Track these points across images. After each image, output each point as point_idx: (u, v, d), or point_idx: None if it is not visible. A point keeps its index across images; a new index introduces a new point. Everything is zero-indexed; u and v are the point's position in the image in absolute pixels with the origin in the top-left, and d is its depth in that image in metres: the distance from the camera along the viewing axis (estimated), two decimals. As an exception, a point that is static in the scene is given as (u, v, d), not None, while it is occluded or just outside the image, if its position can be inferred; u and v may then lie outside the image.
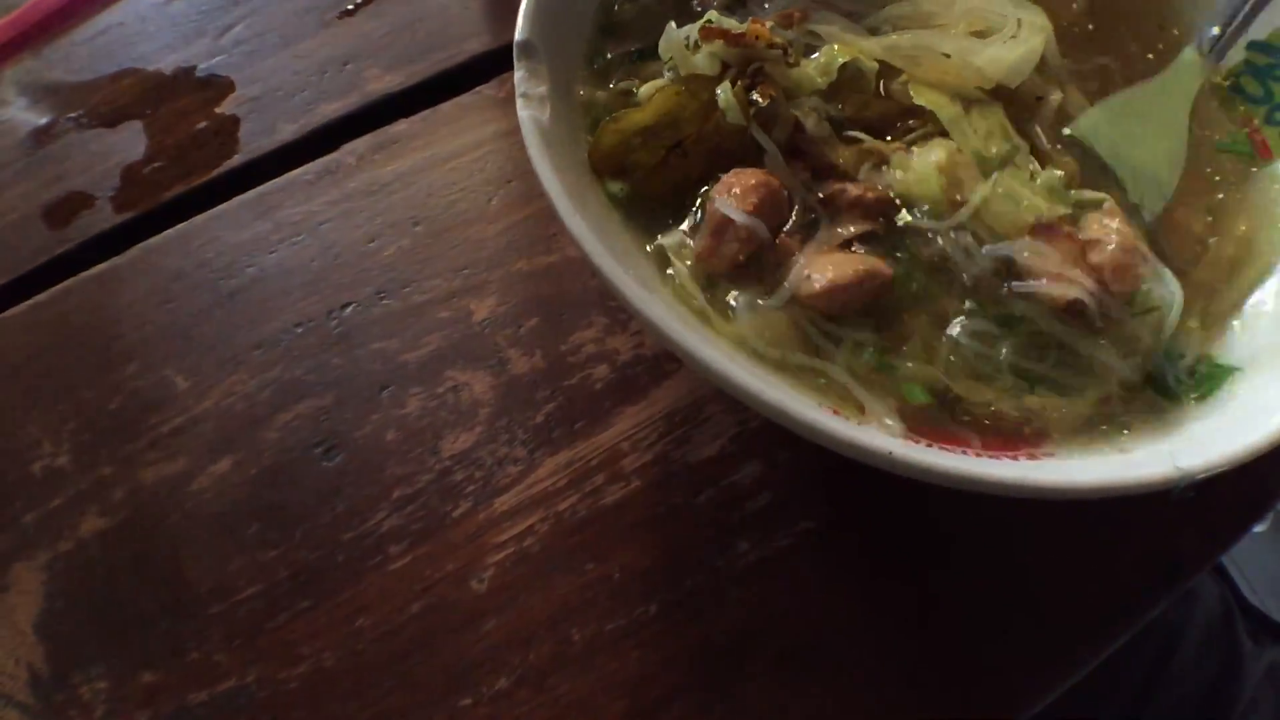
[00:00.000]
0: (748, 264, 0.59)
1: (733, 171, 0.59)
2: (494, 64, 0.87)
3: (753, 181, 0.58)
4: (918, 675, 0.62)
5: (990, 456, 0.51)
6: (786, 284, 0.57)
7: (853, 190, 0.59)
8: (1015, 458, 0.51)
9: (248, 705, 0.63)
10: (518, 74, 0.60)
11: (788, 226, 0.60)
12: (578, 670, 0.62)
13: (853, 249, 0.59)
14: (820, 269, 0.57)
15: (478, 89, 0.86)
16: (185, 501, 0.69)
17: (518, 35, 0.61)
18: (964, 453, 0.51)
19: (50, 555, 0.68)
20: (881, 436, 0.49)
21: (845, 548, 0.65)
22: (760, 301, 0.58)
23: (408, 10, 0.92)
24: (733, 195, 0.58)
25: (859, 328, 0.57)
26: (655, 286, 0.55)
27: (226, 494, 0.69)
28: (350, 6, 0.93)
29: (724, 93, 0.60)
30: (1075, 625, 0.63)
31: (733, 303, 0.58)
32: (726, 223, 0.57)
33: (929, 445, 0.52)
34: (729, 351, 0.54)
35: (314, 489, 0.69)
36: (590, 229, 0.52)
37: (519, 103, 0.58)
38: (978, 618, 0.63)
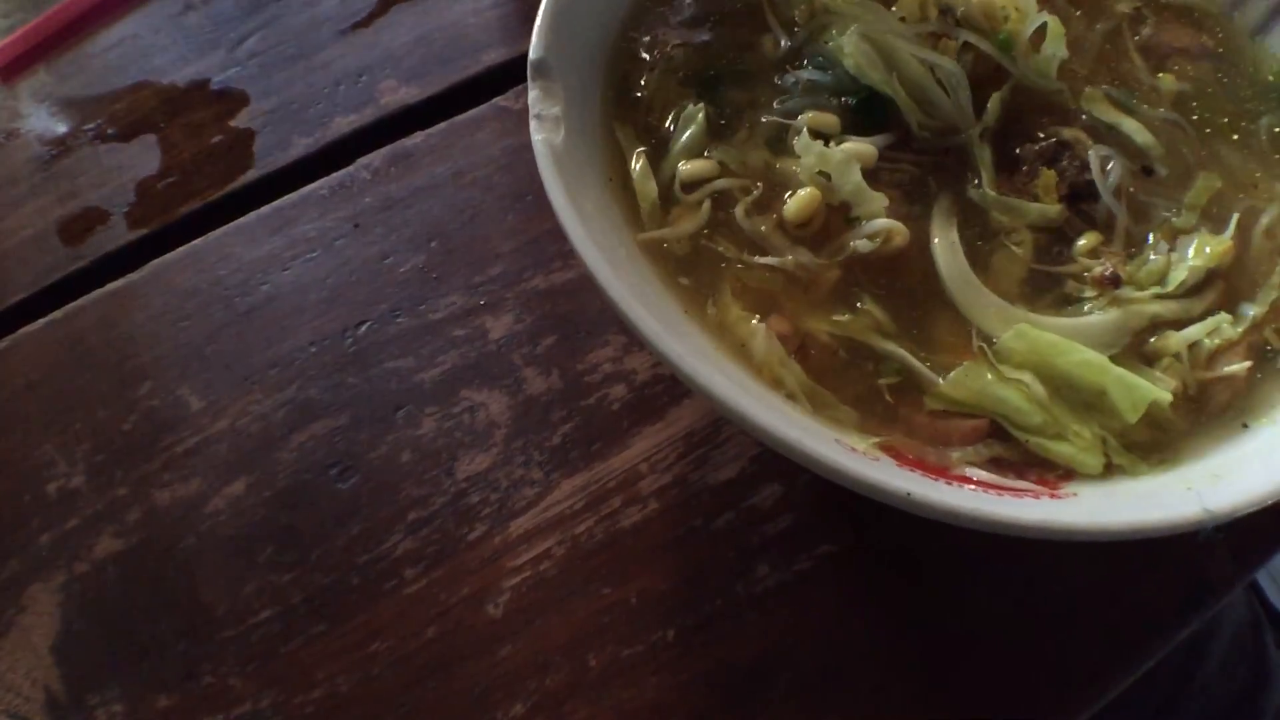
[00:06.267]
0: None
1: None
2: (509, 75, 0.86)
3: None
4: (941, 700, 0.61)
5: (1012, 494, 0.50)
6: None
7: None
8: (1037, 496, 0.50)
9: (263, 731, 0.63)
10: (531, 94, 0.58)
11: None
12: (594, 696, 0.62)
13: None
14: None
15: (493, 101, 0.85)
16: (200, 523, 0.69)
17: (532, 53, 0.59)
18: (984, 491, 0.49)
19: (66, 577, 0.68)
20: (900, 476, 0.48)
21: (866, 570, 0.64)
22: None
23: (423, 22, 0.91)
24: None
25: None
26: (674, 318, 0.54)
27: (241, 516, 0.69)
28: (365, 18, 0.92)
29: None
30: (1102, 648, 0.62)
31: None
32: None
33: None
34: (745, 386, 0.53)
35: (329, 511, 0.68)
36: (604, 257, 0.51)
37: (532, 124, 0.56)
38: (1003, 641, 0.62)
